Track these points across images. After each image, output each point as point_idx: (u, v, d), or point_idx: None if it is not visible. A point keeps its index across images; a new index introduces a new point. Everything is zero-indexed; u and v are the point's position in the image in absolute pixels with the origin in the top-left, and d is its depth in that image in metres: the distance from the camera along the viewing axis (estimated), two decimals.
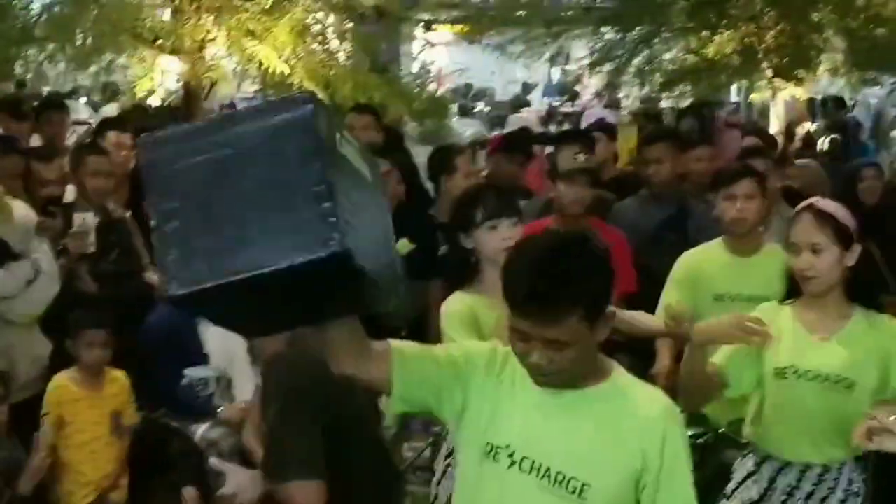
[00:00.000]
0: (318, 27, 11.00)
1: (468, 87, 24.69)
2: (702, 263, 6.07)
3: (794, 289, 4.62)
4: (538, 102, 26.43)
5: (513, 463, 3.20)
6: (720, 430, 5.62)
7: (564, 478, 3.15)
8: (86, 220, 6.66)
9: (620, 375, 3.29)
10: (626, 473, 3.16)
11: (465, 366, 3.31)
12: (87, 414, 5.95)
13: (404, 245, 6.47)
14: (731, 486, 4.79)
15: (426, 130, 11.88)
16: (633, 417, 3.18)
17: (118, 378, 6.10)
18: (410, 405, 3.33)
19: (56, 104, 10.06)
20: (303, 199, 2.70)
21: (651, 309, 6.26)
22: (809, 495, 4.53)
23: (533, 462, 3.18)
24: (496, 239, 4.89)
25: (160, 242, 2.75)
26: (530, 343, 3.09)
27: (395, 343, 3.30)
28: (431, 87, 14.28)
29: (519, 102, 24.50)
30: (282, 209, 2.70)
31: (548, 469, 3.17)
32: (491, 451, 3.24)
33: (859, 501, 4.57)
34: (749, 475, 4.70)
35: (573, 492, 3.14)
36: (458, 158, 7.55)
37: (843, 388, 4.44)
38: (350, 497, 3.74)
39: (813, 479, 4.54)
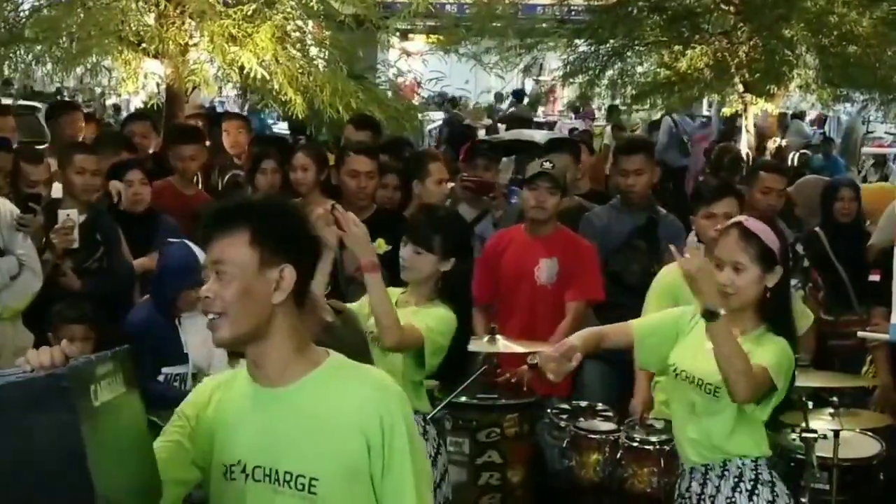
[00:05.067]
0: (297, 34, 11.07)
1: (442, 95, 24.82)
2: (681, 277, 6.14)
3: None
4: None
5: (247, 476, 3.16)
6: None
7: (292, 476, 3.11)
8: (70, 216, 6.74)
9: (335, 361, 3.23)
10: (349, 460, 3.10)
11: (183, 430, 3.27)
12: None
13: (380, 245, 6.68)
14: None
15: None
16: (350, 401, 3.12)
17: None
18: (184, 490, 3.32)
19: (70, 105, 10.23)
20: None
21: (620, 315, 6.42)
22: (700, 495, 4.64)
23: (263, 469, 3.15)
24: (401, 253, 5.34)
25: None
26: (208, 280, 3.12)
27: None
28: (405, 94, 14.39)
29: (495, 111, 24.74)
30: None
31: (276, 472, 3.13)
32: (226, 472, 3.19)
33: (759, 500, 4.59)
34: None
35: (302, 488, 3.10)
36: (432, 164, 7.68)
37: (707, 394, 4.54)
38: None
39: (699, 480, 4.65)
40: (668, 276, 6.18)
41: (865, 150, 15.99)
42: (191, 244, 6.24)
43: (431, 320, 5.14)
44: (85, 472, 2.69)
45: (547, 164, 6.89)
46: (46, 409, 2.69)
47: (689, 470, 4.70)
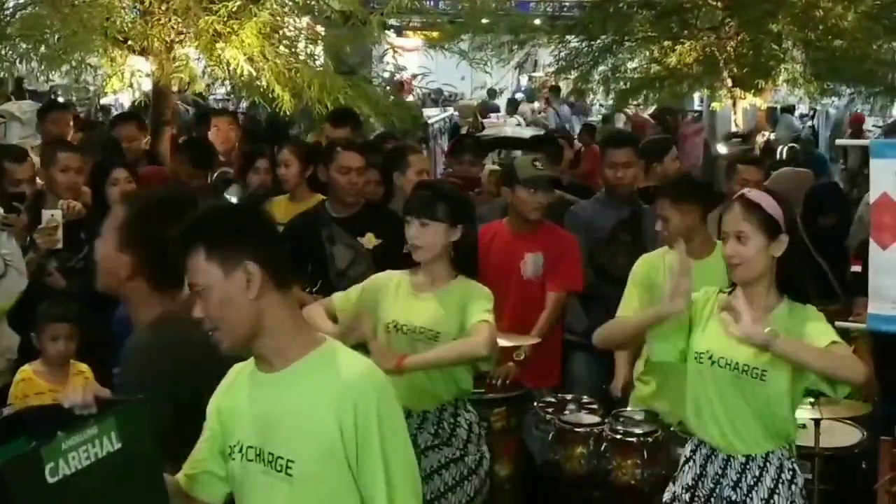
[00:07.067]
0: (285, 30, 11.06)
1: (438, 91, 24.84)
2: (658, 268, 6.15)
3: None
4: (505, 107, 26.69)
5: (244, 456, 3.33)
6: (671, 428, 5.81)
7: (274, 457, 3.25)
8: (54, 216, 6.71)
9: (328, 348, 3.36)
10: (322, 444, 3.21)
11: (212, 421, 3.46)
12: None
13: (370, 240, 6.73)
14: (677, 472, 4.89)
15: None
16: (329, 388, 3.23)
17: (83, 371, 6.12)
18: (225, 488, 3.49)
19: (58, 104, 10.24)
20: None
21: (605, 307, 6.46)
22: (736, 483, 4.61)
23: (255, 449, 3.30)
24: (408, 234, 5.25)
25: None
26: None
27: (182, 475, 3.47)
28: (396, 90, 14.43)
29: (488, 107, 24.73)
30: None
31: (263, 452, 3.28)
32: (230, 453, 3.38)
33: (797, 490, 4.62)
34: (686, 461, 4.80)
35: (281, 469, 3.24)
36: (411, 156, 7.72)
37: (754, 378, 4.52)
38: None
39: (737, 468, 4.62)
40: (644, 266, 6.23)
41: (841, 141, 15.91)
42: None
43: (483, 303, 5.21)
44: None
45: (538, 165, 6.92)
46: None
47: (725, 457, 4.64)
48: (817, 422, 5.76)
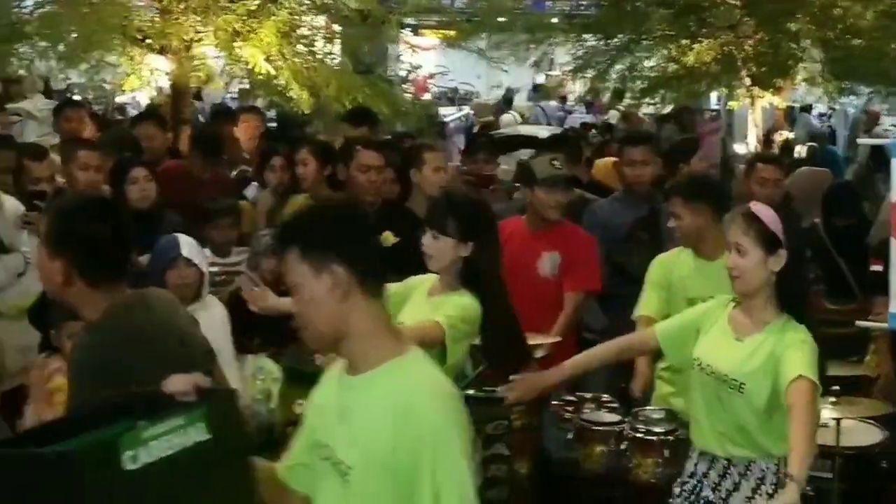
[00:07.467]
0: (303, 29, 11.07)
1: (454, 90, 24.89)
2: (672, 268, 6.25)
3: None
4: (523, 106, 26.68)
5: (319, 454, 3.39)
6: None
7: (338, 460, 3.30)
8: None
9: (408, 357, 3.36)
10: (379, 457, 3.21)
11: (306, 422, 3.57)
12: None
13: (387, 238, 6.75)
14: None
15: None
16: (394, 403, 3.23)
17: None
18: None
19: (73, 101, 10.29)
20: None
21: (623, 305, 6.46)
22: (716, 485, 4.71)
23: (327, 449, 3.35)
24: (423, 241, 5.27)
25: None
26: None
27: (280, 465, 3.59)
28: (413, 89, 14.45)
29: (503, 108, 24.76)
30: None
31: (332, 454, 3.33)
32: (311, 447, 3.45)
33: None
34: (689, 455, 4.96)
35: (340, 474, 3.28)
36: (427, 153, 7.71)
37: (732, 389, 4.60)
38: None
39: (719, 471, 4.72)
40: (659, 266, 6.26)
41: (862, 140, 15.84)
42: (179, 237, 6.27)
43: (449, 309, 5.14)
44: None
45: (556, 164, 6.93)
46: (47, 480, 2.86)
47: (710, 458, 4.76)
48: (838, 421, 5.74)
